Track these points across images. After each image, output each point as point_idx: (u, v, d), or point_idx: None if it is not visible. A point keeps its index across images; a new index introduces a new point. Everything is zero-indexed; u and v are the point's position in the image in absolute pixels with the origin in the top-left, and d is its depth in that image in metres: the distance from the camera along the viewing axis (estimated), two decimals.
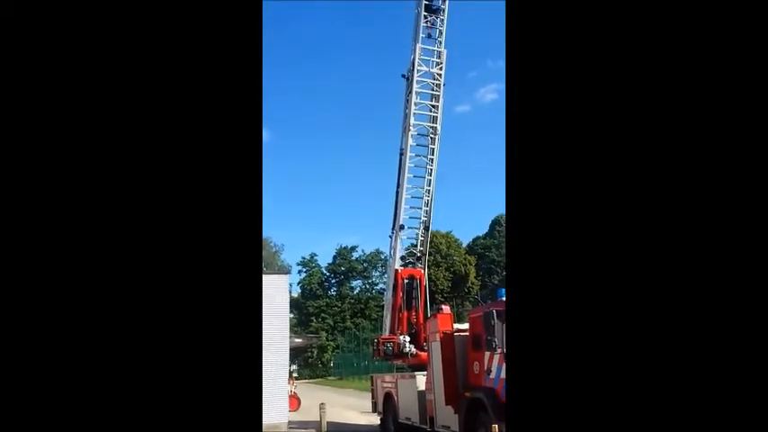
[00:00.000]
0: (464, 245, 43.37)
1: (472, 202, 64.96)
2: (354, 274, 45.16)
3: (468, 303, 36.06)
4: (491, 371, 7.18)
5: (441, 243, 39.63)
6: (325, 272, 45.39)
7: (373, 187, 66.25)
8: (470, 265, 40.67)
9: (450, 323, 8.76)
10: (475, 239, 44.60)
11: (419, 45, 11.58)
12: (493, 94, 66.17)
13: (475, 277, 40.87)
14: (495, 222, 43.84)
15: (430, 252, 13.05)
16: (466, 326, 8.48)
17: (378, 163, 66.85)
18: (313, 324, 40.81)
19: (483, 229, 45.61)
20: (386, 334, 12.11)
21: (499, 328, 6.94)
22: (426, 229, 12.55)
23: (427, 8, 11.70)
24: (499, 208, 51.12)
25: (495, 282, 39.69)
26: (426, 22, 11.68)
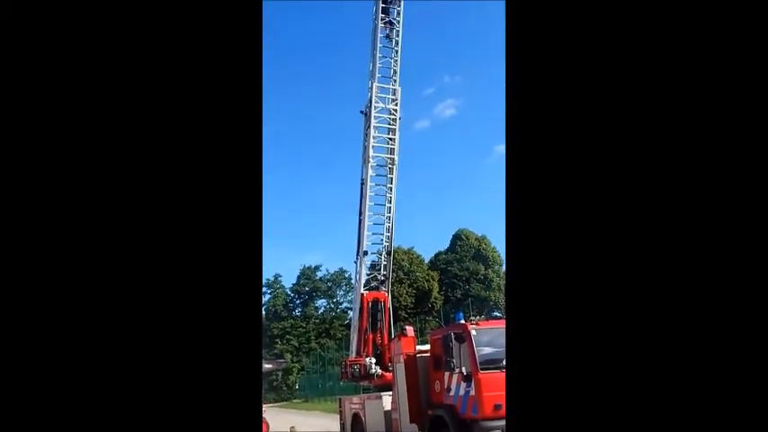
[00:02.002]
0: (426, 260, 44.26)
1: (433, 217, 66.14)
2: (319, 293, 45.28)
3: (431, 319, 36.89)
4: (451, 389, 7.84)
5: (403, 260, 40.37)
6: (289, 293, 45.33)
7: (334, 201, 66.28)
8: (433, 280, 41.53)
9: (413, 345, 9.39)
10: (437, 254, 45.55)
11: (375, 84, 12.44)
12: (451, 109, 67.42)
13: (438, 292, 41.72)
14: (455, 237, 45.01)
15: (393, 269, 13.77)
16: (427, 347, 9.16)
17: (336, 176, 66.85)
18: (278, 346, 40.53)
19: (444, 244, 46.64)
20: (353, 356, 12.62)
21: (457, 350, 7.64)
22: (389, 253, 13.25)
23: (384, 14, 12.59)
24: (459, 222, 52.62)
25: (458, 295, 40.73)
26: (385, 33, 12.57)
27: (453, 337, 7.67)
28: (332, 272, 45.51)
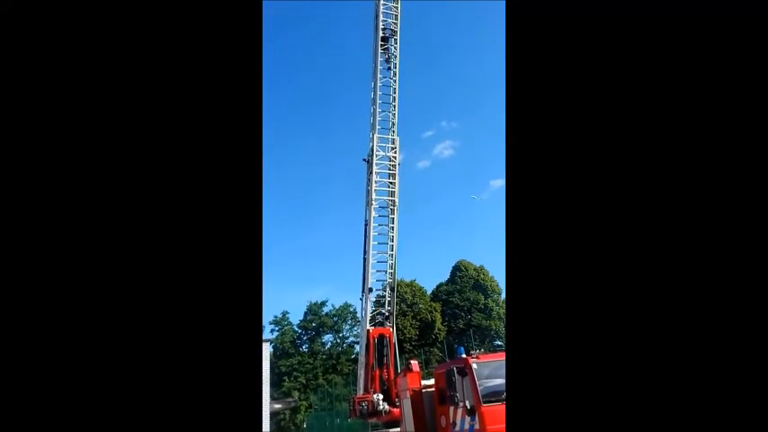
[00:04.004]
0: (428, 292, 44.60)
1: (433, 250, 67.46)
2: (325, 328, 45.42)
3: (436, 350, 37.06)
4: (456, 423, 8.11)
5: (406, 292, 40.73)
6: (296, 329, 45.52)
7: (337, 235, 67.51)
8: (436, 311, 41.75)
9: (419, 380, 9.71)
10: (438, 286, 45.88)
11: (376, 135, 13.42)
12: (449, 150, 71.84)
13: (441, 323, 41.89)
14: (455, 268, 45.45)
15: (396, 302, 14.39)
16: (433, 381, 9.60)
17: (339, 218, 68.34)
18: (285, 384, 40.37)
19: (444, 275, 47.06)
20: (360, 393, 12.97)
21: (460, 384, 7.89)
22: (392, 290, 13.87)
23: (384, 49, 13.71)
24: (458, 254, 53.37)
25: (461, 326, 40.96)
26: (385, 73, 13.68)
27: (456, 371, 7.94)
28: (338, 307, 45.79)
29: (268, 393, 13.16)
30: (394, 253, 13.81)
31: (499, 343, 38.43)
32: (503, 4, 2.85)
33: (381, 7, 14.05)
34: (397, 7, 14.13)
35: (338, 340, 45.58)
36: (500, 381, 7.62)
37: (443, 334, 40.22)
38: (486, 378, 7.80)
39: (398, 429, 10.28)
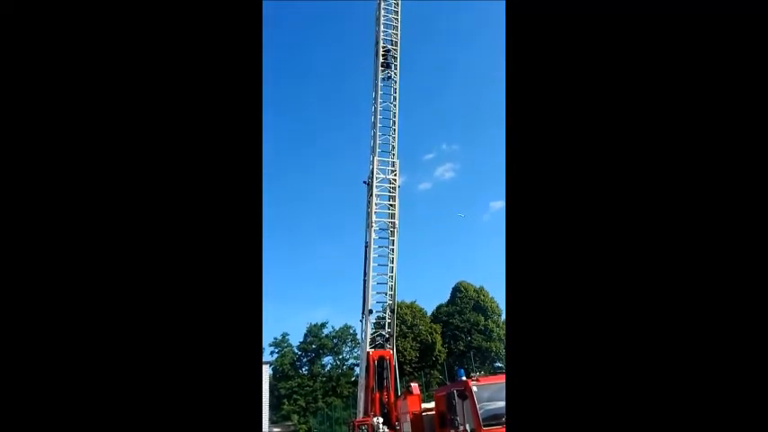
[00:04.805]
0: (428, 313, 44.43)
1: (433, 271, 67.67)
2: (325, 350, 45.14)
3: (436, 372, 36.74)
4: None
5: (406, 313, 40.59)
6: (296, 351, 45.26)
7: (337, 256, 67.57)
8: (436, 333, 41.54)
9: (419, 403, 9.81)
10: (438, 307, 45.71)
11: (376, 158, 13.65)
12: (450, 172, 73.48)
13: (441, 345, 41.63)
14: (455, 289, 45.35)
15: (397, 323, 14.43)
16: (433, 404, 9.62)
17: (340, 240, 68.56)
18: (285, 407, 39.95)
19: (444, 296, 46.94)
20: (360, 416, 12.93)
21: (460, 407, 7.96)
22: (392, 311, 13.91)
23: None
24: (458, 275, 53.48)
25: (461, 347, 40.67)
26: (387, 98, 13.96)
27: (456, 394, 8.02)
28: (338, 328, 45.61)
29: (267, 417, 13.02)
30: (394, 275, 13.90)
31: (500, 365, 38.09)
32: (503, 26, 2.85)
33: (382, 34, 14.43)
34: (397, 34, 14.50)
35: (338, 362, 45.27)
36: (501, 404, 7.64)
37: (444, 356, 39.93)
38: (487, 401, 7.83)
39: None
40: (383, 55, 14.30)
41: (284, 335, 45.67)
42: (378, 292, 13.86)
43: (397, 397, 12.03)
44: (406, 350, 38.60)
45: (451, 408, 8.14)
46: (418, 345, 40.78)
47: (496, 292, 44.44)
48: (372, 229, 13.68)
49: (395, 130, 13.88)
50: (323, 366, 44.68)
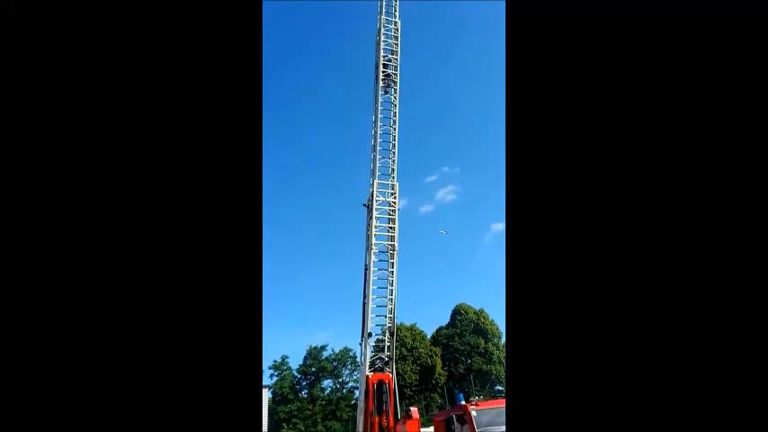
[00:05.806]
0: (428, 336, 44.11)
1: (433, 294, 67.53)
2: (325, 373, 44.71)
3: (436, 396, 36.33)
4: None
5: (406, 336, 40.32)
6: (296, 374, 44.84)
7: (337, 279, 67.45)
8: (436, 356, 41.19)
9: (418, 427, 9.82)
10: (438, 330, 45.43)
11: (376, 181, 13.82)
12: (451, 194, 74.32)
13: (441, 368, 41.24)
14: (455, 312, 45.12)
15: (396, 346, 14.37)
16: (432, 429, 9.58)
17: (339, 262, 68.56)
18: (284, 431, 39.39)
19: (444, 318, 46.70)
20: None
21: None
22: (392, 334, 13.89)
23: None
24: (458, 298, 53.27)
25: (461, 370, 40.28)
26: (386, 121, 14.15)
27: (455, 419, 8.11)
28: (337, 351, 45.28)
29: None
30: (393, 298, 13.91)
31: (500, 388, 37.71)
32: (503, 38, 2.84)
33: (382, 59, 14.75)
34: (396, 59, 14.82)
35: (338, 385, 44.80)
36: (501, 428, 7.66)
37: (444, 379, 39.54)
38: (486, 425, 7.87)
39: None
40: (383, 79, 14.58)
41: (284, 357, 45.35)
42: (377, 315, 13.86)
43: (396, 421, 11.94)
44: (405, 373, 38.23)
45: None
46: (418, 368, 40.40)
47: (497, 315, 44.30)
48: (372, 251, 13.75)
49: (395, 153, 14.08)
50: (322, 390, 44.21)
